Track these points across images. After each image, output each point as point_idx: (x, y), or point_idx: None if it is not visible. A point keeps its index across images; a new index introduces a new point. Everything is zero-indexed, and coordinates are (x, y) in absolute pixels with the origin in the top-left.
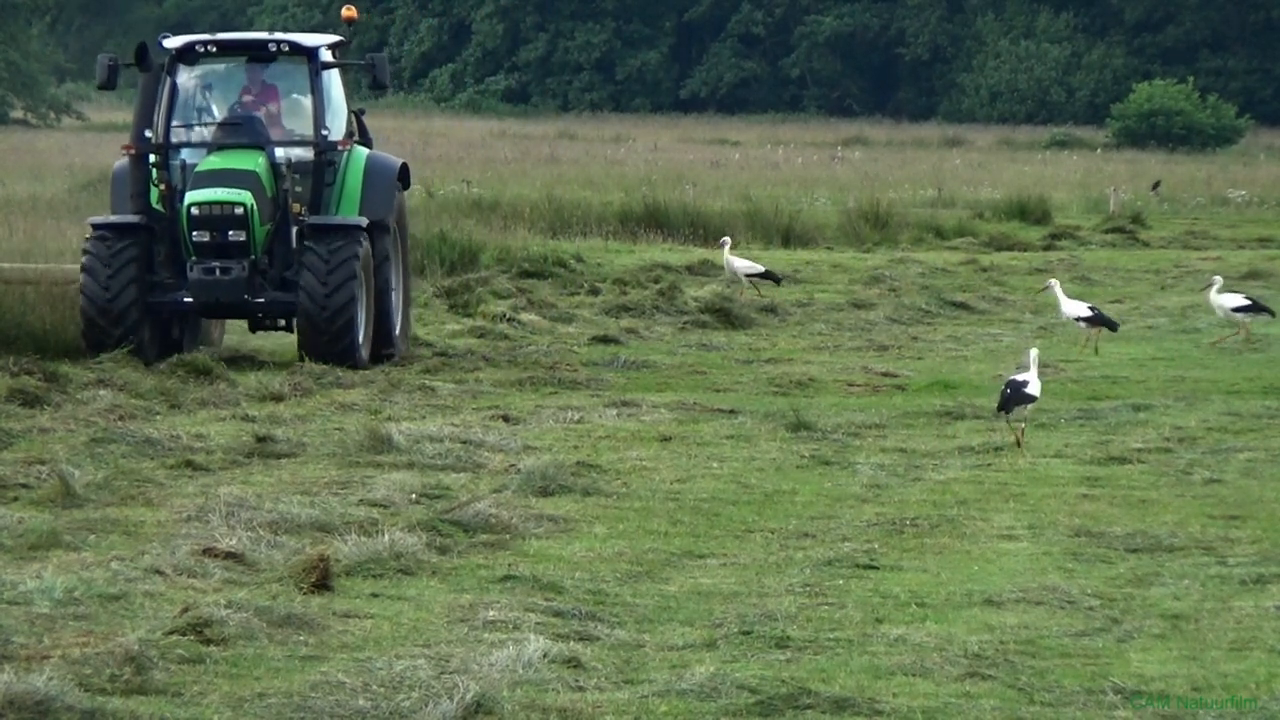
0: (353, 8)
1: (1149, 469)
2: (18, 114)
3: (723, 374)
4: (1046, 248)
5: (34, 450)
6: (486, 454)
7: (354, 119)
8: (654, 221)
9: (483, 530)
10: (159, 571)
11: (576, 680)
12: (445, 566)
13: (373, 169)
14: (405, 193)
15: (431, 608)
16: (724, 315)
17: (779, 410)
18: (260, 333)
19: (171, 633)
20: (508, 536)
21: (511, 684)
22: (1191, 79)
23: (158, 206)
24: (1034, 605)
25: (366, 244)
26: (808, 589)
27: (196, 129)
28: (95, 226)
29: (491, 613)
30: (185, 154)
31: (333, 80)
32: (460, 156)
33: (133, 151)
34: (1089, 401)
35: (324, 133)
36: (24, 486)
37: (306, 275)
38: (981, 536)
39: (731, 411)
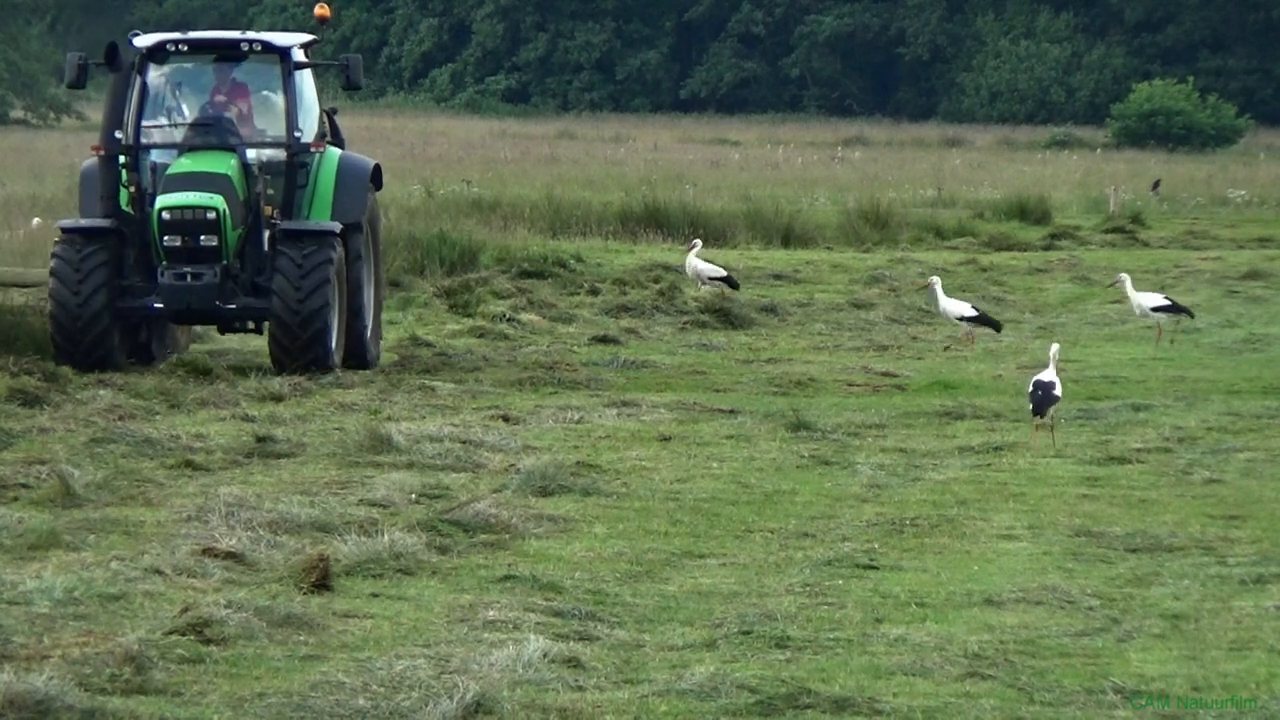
0: (325, 6)
1: (1149, 469)
2: (18, 114)
3: (722, 374)
4: (1046, 248)
5: (34, 450)
6: (486, 454)
7: (326, 118)
8: (654, 221)
9: (482, 530)
10: (159, 571)
11: (576, 680)
12: (445, 566)
13: (345, 171)
14: (377, 193)
15: (431, 608)
16: (724, 315)
17: (779, 410)
18: (231, 334)
19: (171, 632)
20: (507, 536)
21: (511, 684)
22: (1191, 79)
23: (127, 209)
24: (1034, 605)
25: (340, 249)
26: (807, 589)
27: (167, 130)
28: (64, 230)
29: (491, 612)
30: (155, 155)
31: (305, 80)
32: (460, 156)
33: (102, 153)
34: (1089, 401)
35: (296, 134)
36: (24, 486)
37: (280, 280)
38: (981, 536)
39: (731, 411)
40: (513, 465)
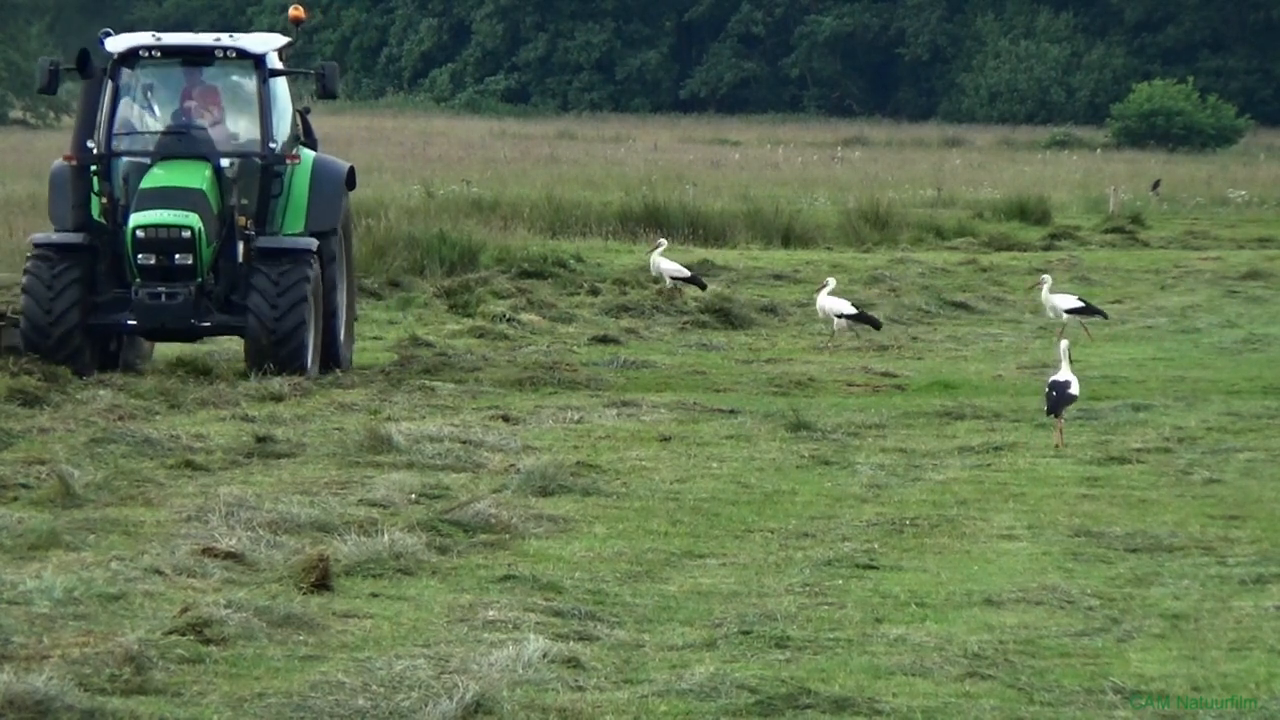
0: (300, 7)
1: (1149, 469)
2: (17, 114)
3: (722, 374)
4: (1046, 248)
5: (34, 450)
6: (486, 454)
7: (299, 119)
8: (654, 221)
9: (482, 530)
10: (159, 571)
11: (576, 680)
12: (445, 566)
13: (319, 176)
14: (350, 194)
15: (431, 608)
16: (724, 315)
17: (779, 410)
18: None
19: (171, 632)
20: (507, 536)
21: (511, 684)
22: (1191, 79)
23: (99, 219)
24: (1034, 605)
25: (317, 267)
26: (807, 589)
27: (139, 137)
28: (36, 245)
29: (491, 612)
30: (128, 163)
31: (279, 85)
32: (460, 156)
33: (74, 161)
34: (1088, 401)
35: (271, 145)
36: (24, 486)
37: (255, 298)
38: (981, 536)
39: (731, 411)
40: (513, 465)
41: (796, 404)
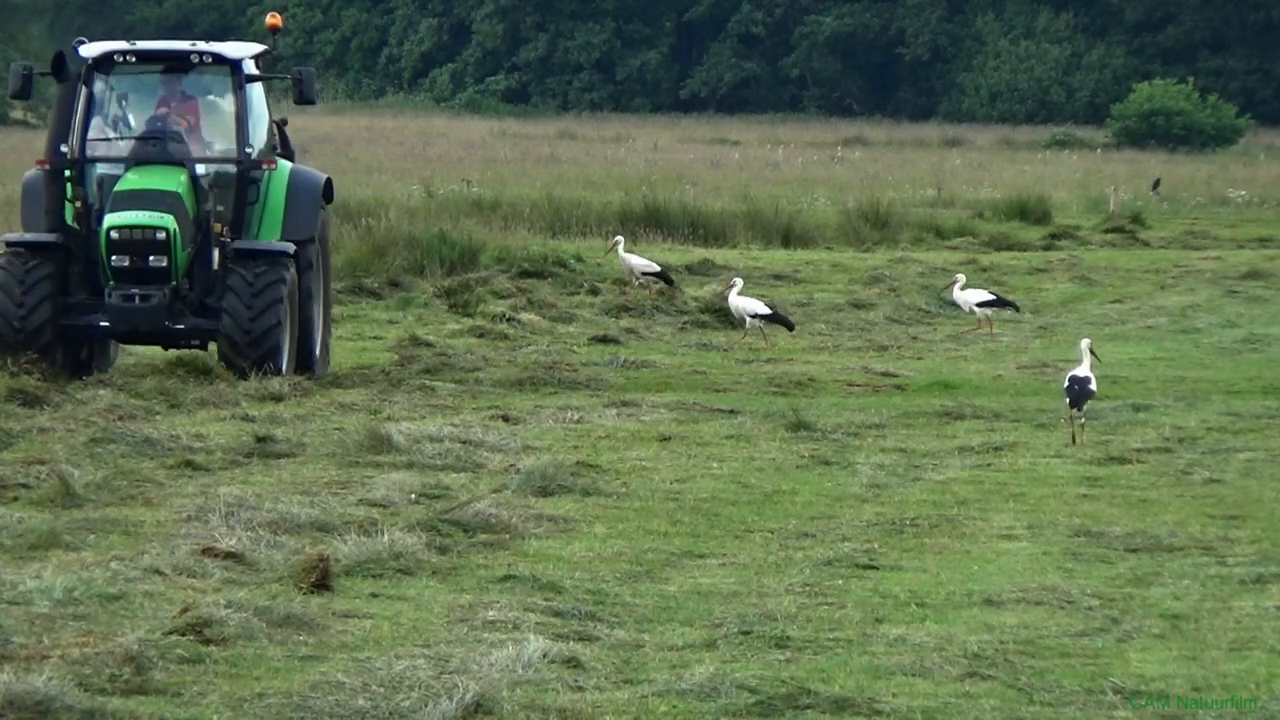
0: (277, 15)
1: (1149, 469)
2: (17, 114)
3: (722, 374)
4: (1046, 248)
5: (33, 450)
6: (486, 454)
7: (276, 130)
8: (654, 221)
9: (482, 530)
10: (158, 571)
11: (576, 680)
12: (445, 566)
13: (296, 186)
14: (328, 207)
15: (431, 608)
16: (724, 315)
17: (779, 410)
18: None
19: (171, 633)
20: (507, 536)
21: (511, 684)
22: (1191, 79)
23: (73, 224)
24: (1034, 605)
25: (293, 270)
26: (807, 589)
27: (114, 143)
28: (9, 244)
29: (491, 613)
30: (102, 169)
31: (256, 92)
32: (460, 156)
33: (47, 166)
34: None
35: (247, 150)
36: (24, 486)
37: (231, 299)
38: (981, 536)
39: (731, 411)
40: (513, 465)
41: (796, 404)
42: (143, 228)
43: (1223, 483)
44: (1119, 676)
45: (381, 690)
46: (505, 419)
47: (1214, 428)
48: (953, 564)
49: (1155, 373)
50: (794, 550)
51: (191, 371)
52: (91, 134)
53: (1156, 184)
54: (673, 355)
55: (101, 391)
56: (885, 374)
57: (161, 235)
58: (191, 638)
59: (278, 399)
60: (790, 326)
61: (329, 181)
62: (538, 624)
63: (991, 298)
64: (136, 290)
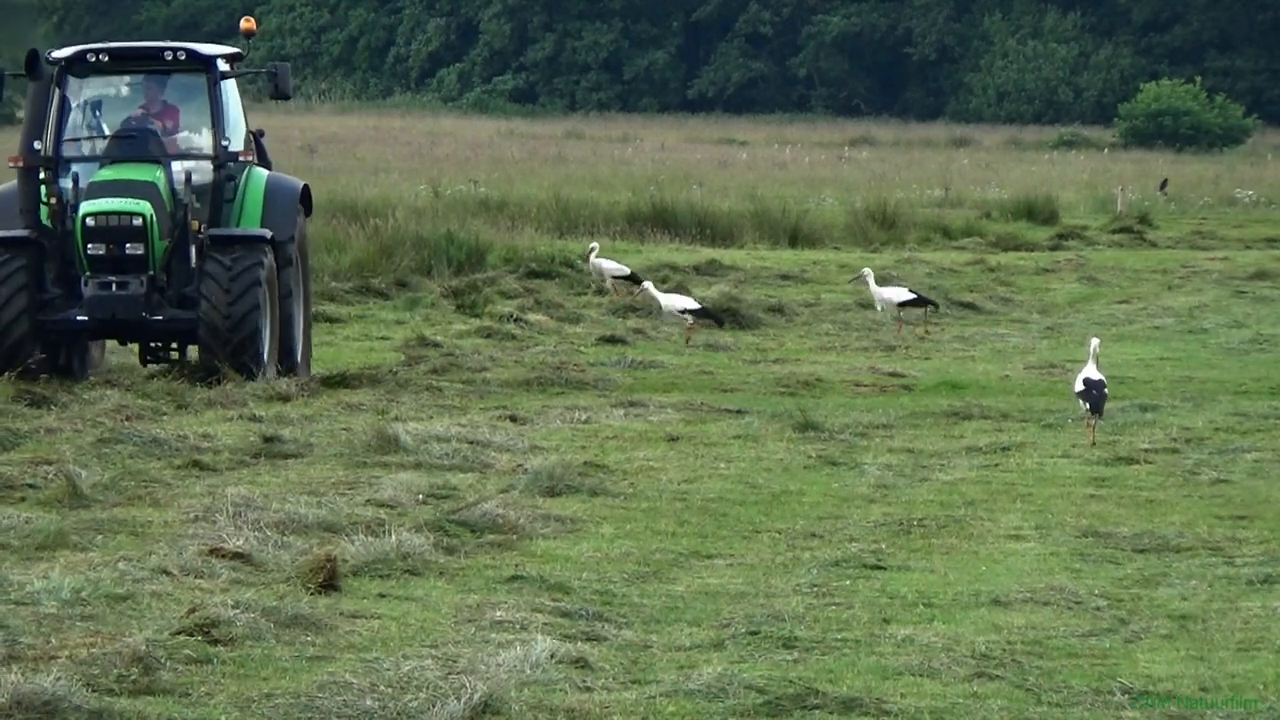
0: (251, 19)
1: (1156, 469)
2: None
3: (730, 374)
4: (1054, 248)
5: (41, 450)
6: (494, 454)
7: (253, 140)
8: (661, 221)
9: (490, 530)
10: (166, 572)
11: (584, 680)
12: (452, 567)
13: (273, 190)
14: (307, 219)
15: (439, 608)
16: (731, 315)
17: (786, 410)
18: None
19: (179, 633)
20: (515, 537)
21: (519, 684)
22: (1199, 79)
23: (48, 223)
24: (1041, 606)
25: (271, 257)
26: (815, 589)
27: (88, 143)
28: None
29: (499, 613)
30: (77, 169)
31: (230, 92)
32: (467, 156)
33: (20, 165)
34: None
35: (224, 144)
36: (31, 487)
37: (209, 283)
38: (989, 537)
39: (739, 412)
40: (520, 465)
41: (804, 404)
42: (119, 214)
43: (1230, 483)
44: (1127, 677)
45: (389, 690)
46: (513, 419)
47: (1221, 428)
48: (960, 564)
49: (1163, 373)
50: (801, 550)
51: (198, 372)
52: (66, 133)
53: (1164, 184)
54: (680, 355)
55: (109, 392)
56: (893, 374)
57: (138, 221)
58: (199, 638)
59: (285, 399)
60: (720, 322)
61: (307, 189)
62: (545, 624)
63: (912, 296)
64: (113, 279)
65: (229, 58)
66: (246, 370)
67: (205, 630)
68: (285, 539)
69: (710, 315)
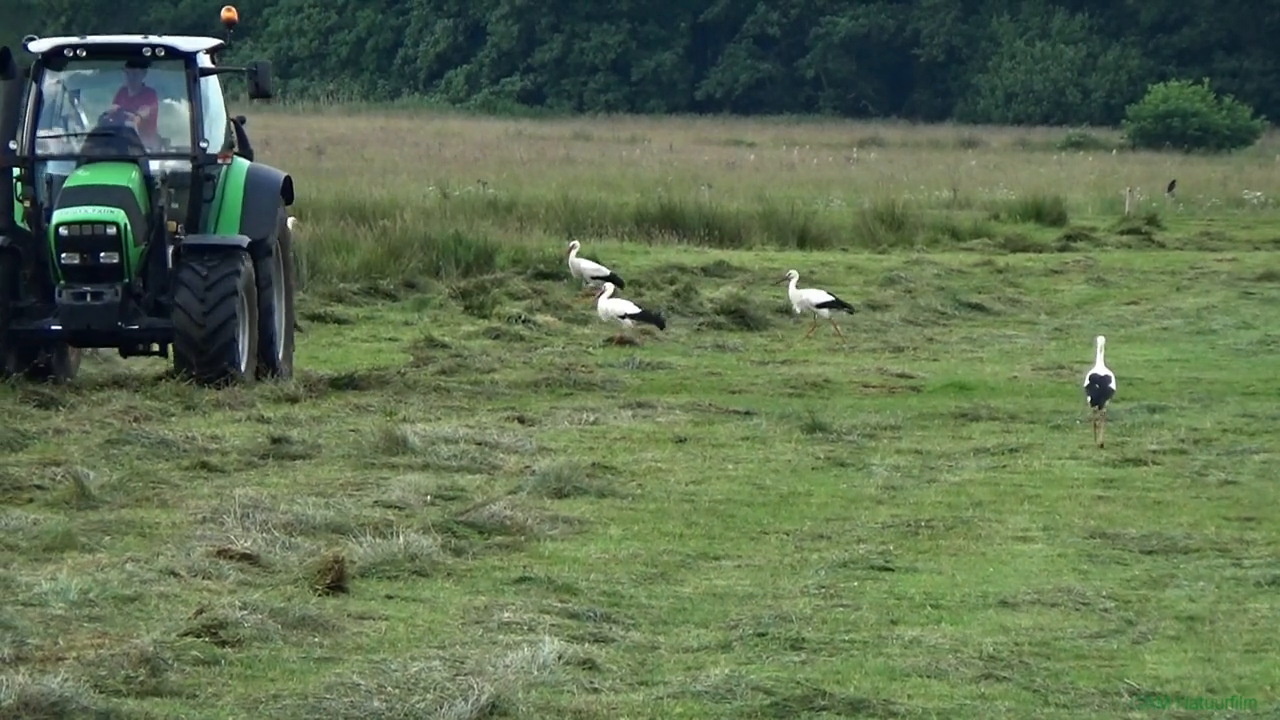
0: (232, 9)
1: (1164, 470)
2: None
3: (738, 375)
4: (1062, 249)
5: (49, 452)
6: (501, 455)
7: (234, 128)
8: (669, 222)
9: (498, 532)
10: (174, 573)
11: (591, 682)
12: (460, 568)
13: (254, 184)
14: (288, 208)
15: (446, 609)
16: (739, 317)
17: (794, 412)
18: (132, 357)
19: (186, 634)
20: (523, 538)
21: (526, 685)
22: (1207, 80)
23: (23, 224)
24: (1049, 607)
25: (248, 263)
26: (823, 591)
27: (65, 140)
28: None
29: (506, 614)
30: (53, 167)
31: (211, 87)
32: (475, 157)
33: None
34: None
35: (202, 145)
36: (39, 488)
37: (184, 293)
38: (996, 538)
39: (747, 413)
40: (528, 467)
41: (812, 405)
42: (92, 223)
43: (1238, 484)
44: (1134, 678)
45: (396, 692)
46: (520, 420)
47: (1229, 429)
48: (968, 565)
49: (1170, 374)
50: (809, 552)
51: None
52: (41, 131)
53: (1172, 185)
54: (688, 357)
55: (117, 393)
56: (901, 375)
57: (112, 230)
58: (206, 639)
59: (293, 400)
60: (661, 324)
61: (288, 180)
62: (553, 625)
63: (830, 299)
64: (88, 289)
65: (210, 50)
66: (222, 379)
67: (213, 631)
68: (293, 540)
69: (652, 319)
